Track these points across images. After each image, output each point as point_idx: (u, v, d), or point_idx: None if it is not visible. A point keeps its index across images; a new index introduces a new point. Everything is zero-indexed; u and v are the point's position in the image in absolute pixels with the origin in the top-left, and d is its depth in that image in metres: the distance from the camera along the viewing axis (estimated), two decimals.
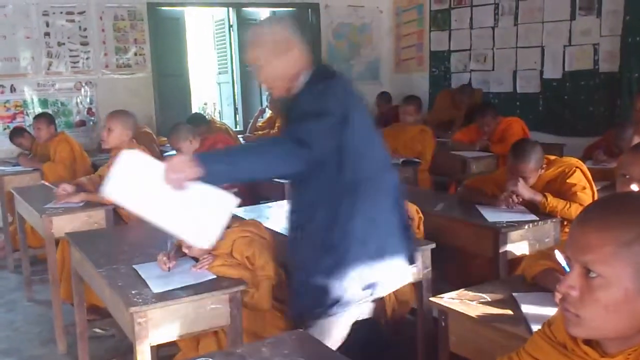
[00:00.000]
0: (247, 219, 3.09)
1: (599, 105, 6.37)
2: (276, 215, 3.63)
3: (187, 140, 4.69)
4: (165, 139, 6.20)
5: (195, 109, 10.40)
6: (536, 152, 3.31)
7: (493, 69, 7.45)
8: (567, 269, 1.20)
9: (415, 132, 5.50)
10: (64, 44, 6.92)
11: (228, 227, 2.74)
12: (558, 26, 6.65)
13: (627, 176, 2.36)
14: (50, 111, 6.64)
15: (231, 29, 8.32)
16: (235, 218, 2.93)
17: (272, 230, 2.96)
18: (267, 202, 4.18)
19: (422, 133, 5.51)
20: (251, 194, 4.99)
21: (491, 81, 7.48)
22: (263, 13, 8.57)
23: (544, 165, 3.34)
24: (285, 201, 4.14)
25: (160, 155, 5.69)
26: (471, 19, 7.65)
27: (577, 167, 3.36)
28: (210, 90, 11.28)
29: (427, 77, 8.35)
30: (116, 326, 3.45)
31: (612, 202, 1.18)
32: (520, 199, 3.28)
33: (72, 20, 6.94)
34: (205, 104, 12.40)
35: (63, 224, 3.67)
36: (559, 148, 5.63)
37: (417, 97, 5.87)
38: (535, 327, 1.48)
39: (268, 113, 8.00)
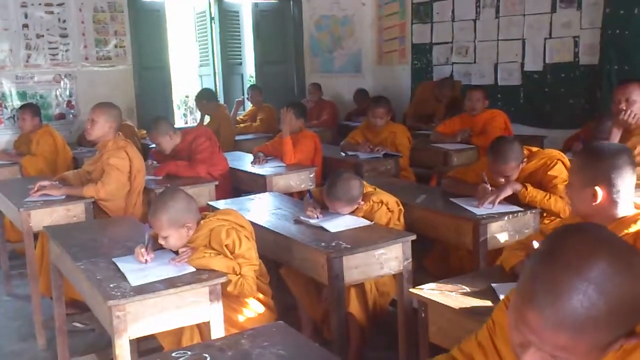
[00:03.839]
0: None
1: (579, 98, 6.41)
2: (258, 208, 3.62)
3: (166, 135, 4.64)
4: (146, 131, 6.16)
5: (176, 101, 10.32)
6: (515, 150, 3.29)
7: (475, 62, 7.47)
8: None
9: (387, 133, 5.28)
10: (42, 35, 6.84)
11: (204, 217, 2.75)
12: (539, 19, 6.68)
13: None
14: None
15: (212, 21, 8.27)
16: (212, 209, 2.92)
17: (254, 223, 2.95)
18: (249, 195, 4.16)
19: (393, 134, 5.27)
20: (232, 187, 4.97)
21: (473, 74, 7.49)
22: (244, 5, 8.53)
23: (525, 160, 3.35)
24: (267, 193, 4.14)
25: (140, 148, 5.65)
26: (453, 11, 7.65)
27: (559, 160, 3.36)
28: (192, 82, 11.21)
29: (409, 70, 8.34)
30: (96, 320, 3.41)
31: (572, 289, 1.01)
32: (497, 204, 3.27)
33: (51, 12, 6.86)
34: (187, 96, 12.33)
35: (42, 218, 3.63)
36: (539, 140, 5.65)
37: (385, 98, 5.53)
38: None
39: (248, 105, 7.96)
